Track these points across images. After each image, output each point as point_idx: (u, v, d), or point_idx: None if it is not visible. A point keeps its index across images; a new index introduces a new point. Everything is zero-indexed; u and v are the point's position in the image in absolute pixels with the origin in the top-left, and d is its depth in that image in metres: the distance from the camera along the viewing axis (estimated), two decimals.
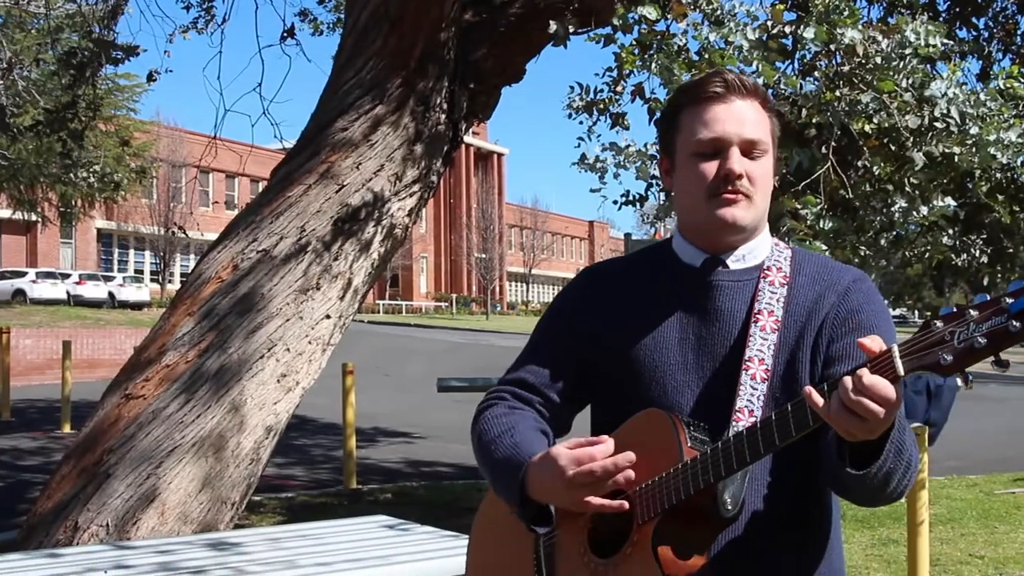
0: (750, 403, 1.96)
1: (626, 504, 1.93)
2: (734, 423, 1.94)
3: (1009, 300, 1.61)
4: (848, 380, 1.70)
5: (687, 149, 2.07)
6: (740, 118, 2.03)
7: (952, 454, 12.53)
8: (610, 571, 1.97)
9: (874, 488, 1.84)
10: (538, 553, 2.13)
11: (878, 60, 5.52)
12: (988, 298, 1.65)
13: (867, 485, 1.82)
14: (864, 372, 1.69)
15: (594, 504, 1.92)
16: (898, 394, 1.69)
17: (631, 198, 6.76)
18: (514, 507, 2.07)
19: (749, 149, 2.04)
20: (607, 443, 1.93)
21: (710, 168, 2.03)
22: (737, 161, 2.02)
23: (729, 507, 1.91)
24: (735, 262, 2.10)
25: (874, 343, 1.73)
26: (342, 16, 10.23)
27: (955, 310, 1.67)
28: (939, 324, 1.67)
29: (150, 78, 9.33)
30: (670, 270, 2.13)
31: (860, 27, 5.58)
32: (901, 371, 1.69)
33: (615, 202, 8.09)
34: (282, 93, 26.61)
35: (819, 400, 1.72)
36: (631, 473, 1.92)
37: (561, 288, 2.37)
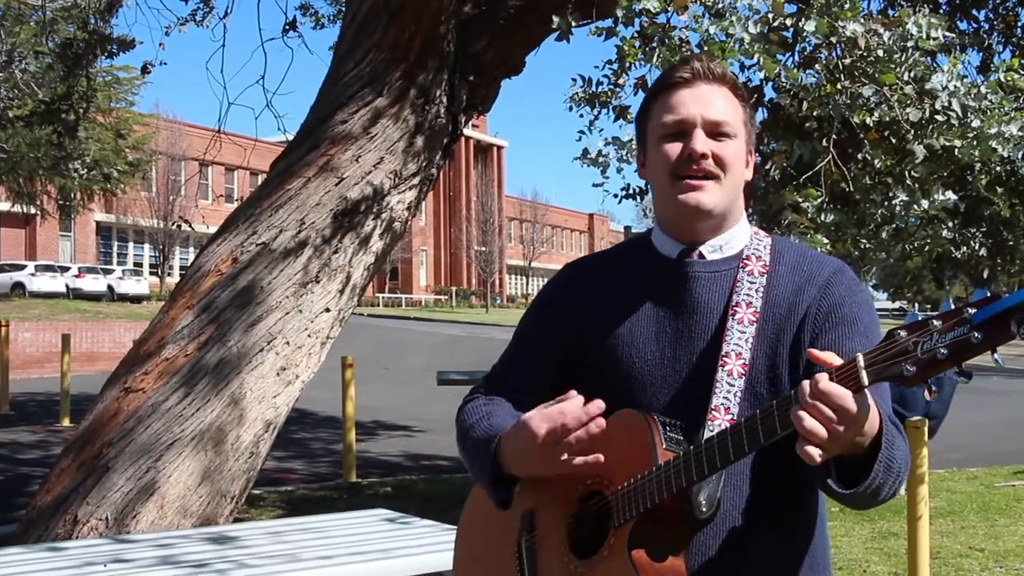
0: (726, 400, 1.95)
1: (601, 457, 1.90)
2: (709, 421, 1.93)
3: (971, 311, 1.59)
4: (805, 384, 1.67)
5: (655, 134, 2.07)
6: (704, 100, 2.03)
7: (952, 447, 12.54)
8: (587, 573, 1.96)
9: (863, 500, 1.83)
10: (520, 551, 2.12)
11: (880, 53, 5.51)
12: (952, 307, 1.63)
13: (855, 499, 1.82)
14: (822, 377, 1.67)
15: (570, 463, 1.90)
16: (860, 406, 1.66)
17: (632, 191, 6.74)
18: (488, 486, 2.06)
19: (714, 130, 2.02)
20: (575, 398, 1.90)
21: (674, 149, 2.02)
22: (701, 141, 2.00)
23: (704, 509, 1.90)
24: (712, 252, 2.08)
25: (827, 356, 1.71)
26: (342, 8, 10.23)
27: (919, 319, 1.65)
28: (903, 334, 1.65)
29: (144, 70, 9.31)
30: (648, 262, 2.12)
31: (862, 20, 5.56)
32: (865, 381, 1.66)
33: (616, 195, 8.18)
34: (285, 85, 26.55)
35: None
36: (602, 422, 1.88)
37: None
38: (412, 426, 16.11)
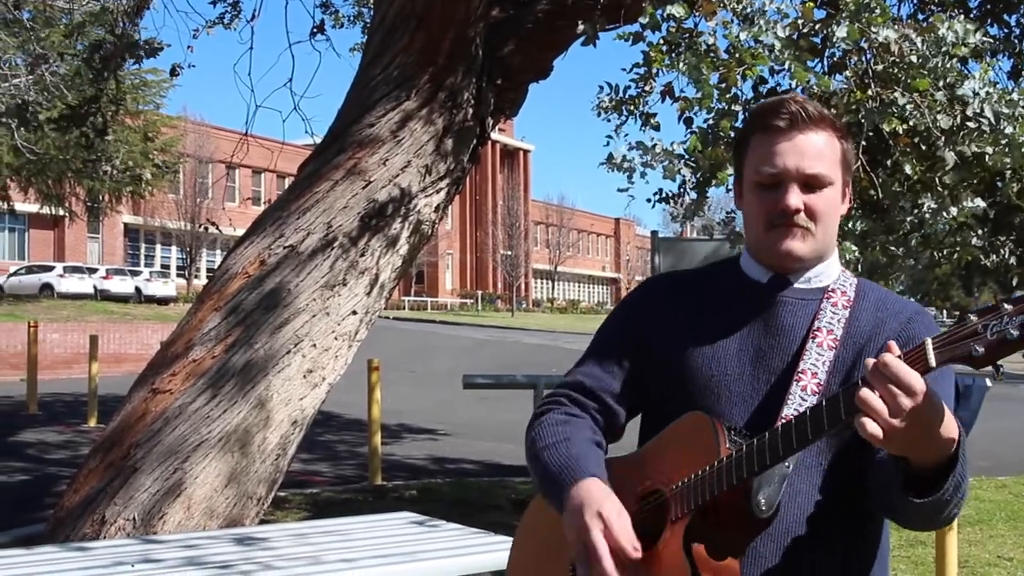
0: (796, 412, 1.95)
1: None
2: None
3: None
4: (870, 362, 1.71)
5: (751, 178, 2.11)
6: (801, 152, 2.05)
7: (981, 455, 12.43)
8: (642, 568, 1.96)
9: (927, 516, 1.85)
10: None
11: (913, 59, 5.46)
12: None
13: (922, 513, 1.84)
14: (887, 356, 1.70)
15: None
16: (929, 388, 1.69)
17: (664, 196, 6.68)
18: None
19: (809, 182, 2.06)
20: (635, 555, 1.92)
21: (769, 201, 2.07)
22: (795, 196, 2.04)
23: (763, 508, 1.91)
24: (801, 283, 2.12)
25: (895, 350, 1.73)
26: (363, 10, 10.24)
27: (991, 305, 1.68)
28: (973, 318, 1.69)
29: (173, 72, 9.37)
30: (736, 284, 2.17)
31: (895, 25, 5.52)
32: (933, 362, 1.70)
33: (648, 200, 8.09)
34: (312, 88, 26.64)
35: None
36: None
37: (627, 292, 2.40)
38: (438, 429, 16.12)
